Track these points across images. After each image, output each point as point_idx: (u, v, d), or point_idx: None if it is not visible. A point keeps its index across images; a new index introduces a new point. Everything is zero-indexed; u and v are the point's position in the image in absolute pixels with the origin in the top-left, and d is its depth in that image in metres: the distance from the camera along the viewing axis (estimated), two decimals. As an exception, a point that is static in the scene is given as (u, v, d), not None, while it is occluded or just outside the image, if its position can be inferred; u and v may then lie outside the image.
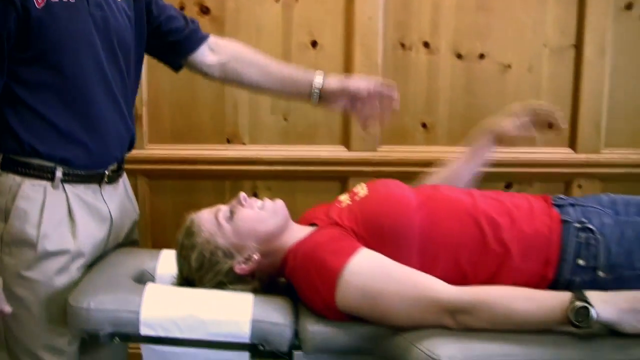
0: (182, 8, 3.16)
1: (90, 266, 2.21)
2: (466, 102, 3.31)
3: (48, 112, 2.08)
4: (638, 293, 1.84)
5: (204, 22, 3.15)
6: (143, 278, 2.19)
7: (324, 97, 2.44)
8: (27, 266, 2.09)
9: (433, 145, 3.31)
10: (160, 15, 2.40)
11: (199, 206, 2.23)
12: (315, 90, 2.43)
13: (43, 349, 2.14)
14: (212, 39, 2.50)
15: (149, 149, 3.28)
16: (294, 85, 2.48)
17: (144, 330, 1.94)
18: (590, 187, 3.31)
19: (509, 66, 3.30)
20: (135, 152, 3.18)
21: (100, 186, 2.24)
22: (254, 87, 2.55)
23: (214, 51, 2.49)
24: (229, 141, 3.31)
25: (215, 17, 3.19)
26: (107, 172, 2.25)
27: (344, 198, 2.21)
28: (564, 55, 3.31)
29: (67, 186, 2.15)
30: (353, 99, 2.43)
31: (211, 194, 3.26)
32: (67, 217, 2.15)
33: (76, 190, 2.17)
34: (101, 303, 1.96)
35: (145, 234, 3.29)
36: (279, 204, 2.17)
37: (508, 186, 3.32)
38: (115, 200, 2.31)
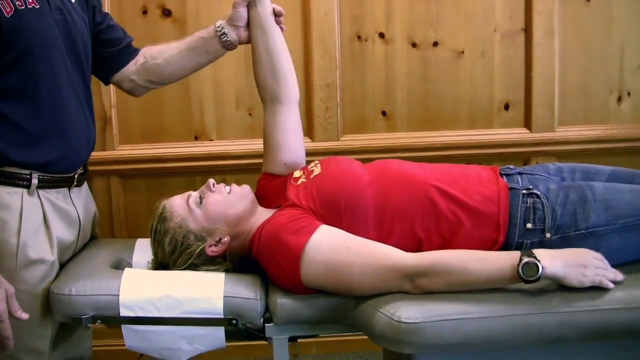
0: (144, 11, 3.26)
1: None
2: (423, 89, 3.40)
3: (22, 119, 2.09)
4: (582, 250, 1.99)
5: (166, 25, 3.27)
6: (120, 265, 2.29)
7: (231, 32, 2.47)
8: (9, 276, 2.03)
9: (393, 132, 3.40)
10: (102, 23, 2.46)
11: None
12: (219, 29, 2.47)
13: (24, 351, 2.16)
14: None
15: (119, 150, 3.35)
16: (204, 44, 2.50)
17: (124, 312, 2.04)
18: (550, 163, 3.43)
19: (462, 52, 3.40)
20: (107, 153, 3.29)
21: (69, 190, 2.29)
22: (178, 71, 2.56)
23: (135, 61, 2.53)
24: (197, 138, 3.39)
25: (176, 19, 3.27)
26: (76, 176, 2.30)
27: (299, 174, 2.31)
28: (515, 39, 3.41)
29: (40, 192, 2.17)
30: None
31: (183, 189, 3.32)
32: (43, 224, 2.18)
33: (49, 196, 2.20)
34: (82, 289, 2.07)
35: (120, 233, 3.39)
36: (246, 188, 2.27)
37: (469, 168, 3.41)
38: (81, 202, 2.36)
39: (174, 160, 3.37)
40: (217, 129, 3.39)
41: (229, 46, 2.50)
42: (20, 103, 2.10)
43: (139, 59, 2.52)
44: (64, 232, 2.25)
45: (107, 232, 3.35)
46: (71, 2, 2.27)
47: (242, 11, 2.45)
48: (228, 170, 3.31)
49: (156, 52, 2.53)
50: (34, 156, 2.13)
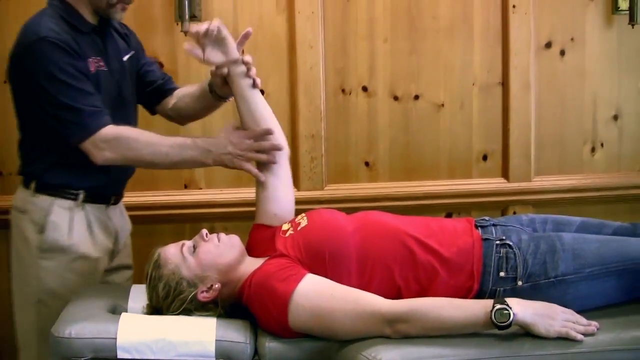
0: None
1: (107, 270, 2.77)
2: (404, 140, 3.54)
3: (78, 155, 2.52)
4: (552, 304, 2.13)
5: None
6: (116, 310, 2.39)
7: (219, 88, 2.70)
8: (63, 268, 2.62)
9: (375, 182, 3.53)
10: (142, 68, 2.89)
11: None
12: (210, 83, 2.73)
13: None
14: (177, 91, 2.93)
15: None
16: (204, 92, 2.78)
17: (121, 354, 2.15)
18: (524, 213, 3.52)
19: (442, 105, 3.54)
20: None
21: (107, 207, 2.74)
22: (192, 113, 2.92)
23: (171, 97, 2.92)
24: (186, 187, 3.50)
25: (168, 70, 3.33)
26: (113, 197, 2.78)
27: (287, 227, 2.43)
28: (492, 92, 3.56)
29: (86, 205, 2.65)
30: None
31: (172, 236, 3.41)
32: (87, 230, 2.67)
33: (91, 209, 2.67)
34: (81, 332, 2.17)
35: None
36: (234, 238, 2.39)
37: (448, 216, 3.53)
38: (117, 217, 2.82)
39: (164, 208, 3.49)
40: (206, 178, 3.50)
41: (220, 99, 2.75)
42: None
43: (173, 97, 2.91)
44: (103, 239, 2.73)
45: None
46: (124, 61, 2.75)
47: (218, 80, 2.66)
48: (216, 218, 3.42)
49: (181, 94, 2.91)
50: (83, 182, 2.63)
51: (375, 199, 3.39)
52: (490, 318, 2.03)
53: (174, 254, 2.33)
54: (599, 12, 3.58)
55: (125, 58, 2.76)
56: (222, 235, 2.39)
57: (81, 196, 2.63)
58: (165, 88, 2.92)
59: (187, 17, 3.32)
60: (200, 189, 3.52)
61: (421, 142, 3.55)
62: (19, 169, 2.73)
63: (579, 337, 2.06)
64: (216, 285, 2.29)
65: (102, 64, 2.61)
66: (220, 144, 2.53)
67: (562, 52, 3.58)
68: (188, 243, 2.36)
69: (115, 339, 2.15)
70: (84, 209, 2.65)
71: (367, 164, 3.51)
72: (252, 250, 2.47)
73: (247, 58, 2.55)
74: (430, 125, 3.55)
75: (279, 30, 3.44)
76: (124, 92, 2.74)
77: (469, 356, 2.03)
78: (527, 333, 2.07)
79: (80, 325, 2.19)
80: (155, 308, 2.33)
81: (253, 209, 3.29)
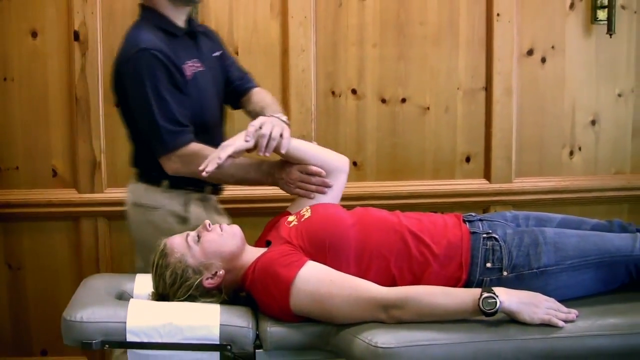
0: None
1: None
2: (391, 141, 3.65)
3: None
4: (537, 293, 2.28)
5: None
6: (123, 297, 2.52)
7: None
8: (174, 231, 2.65)
9: (363, 181, 3.63)
10: (227, 66, 3.04)
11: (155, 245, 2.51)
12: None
13: None
14: (256, 89, 3.07)
15: (107, 193, 3.55)
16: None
17: (130, 337, 2.27)
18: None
19: (428, 108, 3.65)
20: (95, 196, 3.49)
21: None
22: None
23: (247, 97, 3.05)
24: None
25: None
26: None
27: (292, 219, 2.56)
28: (476, 96, 3.67)
29: (212, 197, 2.93)
30: None
31: None
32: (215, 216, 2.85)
33: (213, 200, 2.94)
34: (92, 316, 2.29)
35: (105, 270, 3.58)
36: (236, 228, 2.52)
37: (433, 215, 3.64)
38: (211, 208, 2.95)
39: (159, 204, 3.57)
40: (200, 175, 3.59)
41: None
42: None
43: (251, 101, 3.02)
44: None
45: (93, 268, 3.55)
46: (216, 57, 2.96)
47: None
48: None
49: (254, 99, 3.02)
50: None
51: (363, 198, 3.47)
52: (479, 305, 2.18)
53: (180, 244, 2.45)
54: (579, 22, 3.69)
55: (216, 55, 2.96)
56: (225, 225, 2.51)
57: (208, 188, 2.87)
58: (241, 89, 3.05)
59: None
60: (194, 186, 3.60)
61: (407, 144, 3.65)
62: (140, 172, 2.91)
63: (560, 323, 2.21)
64: (220, 272, 2.41)
65: (198, 64, 2.80)
66: (278, 168, 2.70)
67: (543, 60, 3.69)
68: (192, 233, 2.47)
69: (125, 323, 2.27)
70: (210, 200, 2.90)
71: (355, 164, 3.59)
72: (265, 234, 2.63)
73: (260, 137, 2.57)
74: (416, 127, 3.65)
75: (272, 35, 3.53)
76: (219, 88, 2.95)
77: (458, 340, 2.18)
78: (512, 319, 2.22)
79: (91, 310, 2.31)
80: (162, 295, 2.44)
81: (245, 205, 3.43)
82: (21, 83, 3.53)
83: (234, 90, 3.04)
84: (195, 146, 2.70)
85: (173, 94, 2.69)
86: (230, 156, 2.50)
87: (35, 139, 3.56)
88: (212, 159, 2.49)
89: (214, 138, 2.76)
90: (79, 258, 3.62)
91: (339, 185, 2.75)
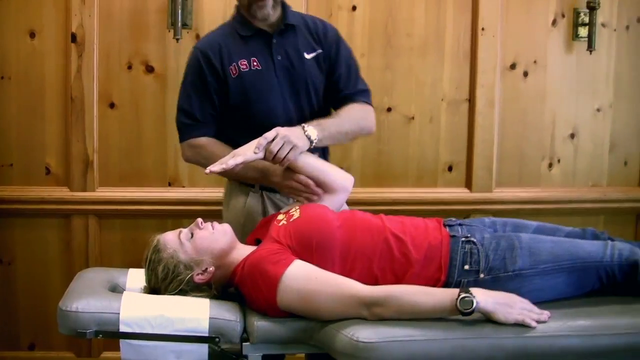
0: (129, 66, 3.58)
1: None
2: (376, 149, 3.75)
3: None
4: (512, 294, 2.38)
5: (149, 80, 3.59)
6: (116, 289, 2.61)
7: None
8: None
9: (349, 185, 3.72)
10: (333, 75, 3.02)
11: (144, 243, 2.62)
12: None
13: None
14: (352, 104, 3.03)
15: (99, 192, 3.65)
16: None
17: (123, 328, 2.36)
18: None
19: (413, 118, 3.76)
20: (87, 194, 3.57)
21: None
22: None
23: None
24: (170, 184, 3.69)
25: (158, 75, 3.60)
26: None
27: (282, 218, 2.65)
28: (459, 108, 3.78)
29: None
30: None
31: (155, 230, 3.54)
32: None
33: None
34: (87, 307, 2.38)
35: (95, 266, 3.57)
36: (227, 226, 2.62)
37: (414, 221, 3.73)
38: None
39: (149, 204, 3.67)
40: (189, 177, 3.69)
41: None
42: (244, 132, 2.77)
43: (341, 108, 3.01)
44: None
45: (82, 265, 3.60)
46: (307, 58, 2.97)
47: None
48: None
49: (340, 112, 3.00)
50: None
51: (347, 203, 3.47)
52: (456, 305, 2.28)
53: (172, 240, 2.54)
54: (561, 38, 3.80)
55: (310, 55, 2.97)
56: (216, 223, 2.61)
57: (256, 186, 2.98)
58: (338, 97, 3.03)
59: (179, 24, 3.51)
60: (184, 187, 3.69)
61: (392, 152, 3.76)
62: None
63: (533, 324, 2.31)
64: (210, 269, 2.51)
65: (255, 63, 2.91)
66: (274, 171, 2.79)
67: (525, 74, 3.80)
68: (185, 230, 2.57)
69: (119, 314, 2.35)
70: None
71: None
72: (257, 231, 2.73)
73: (268, 152, 2.64)
74: (400, 136, 3.75)
75: (265, 42, 3.62)
76: (300, 87, 2.95)
77: (436, 337, 2.28)
78: (488, 319, 2.32)
79: (85, 301, 2.39)
80: (153, 289, 2.53)
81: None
82: (18, 82, 3.62)
83: (336, 98, 3.03)
84: (204, 140, 2.91)
85: (198, 92, 2.92)
86: (238, 164, 2.59)
87: (29, 137, 3.64)
88: (221, 162, 2.60)
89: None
90: (69, 255, 3.70)
91: (340, 202, 2.86)
